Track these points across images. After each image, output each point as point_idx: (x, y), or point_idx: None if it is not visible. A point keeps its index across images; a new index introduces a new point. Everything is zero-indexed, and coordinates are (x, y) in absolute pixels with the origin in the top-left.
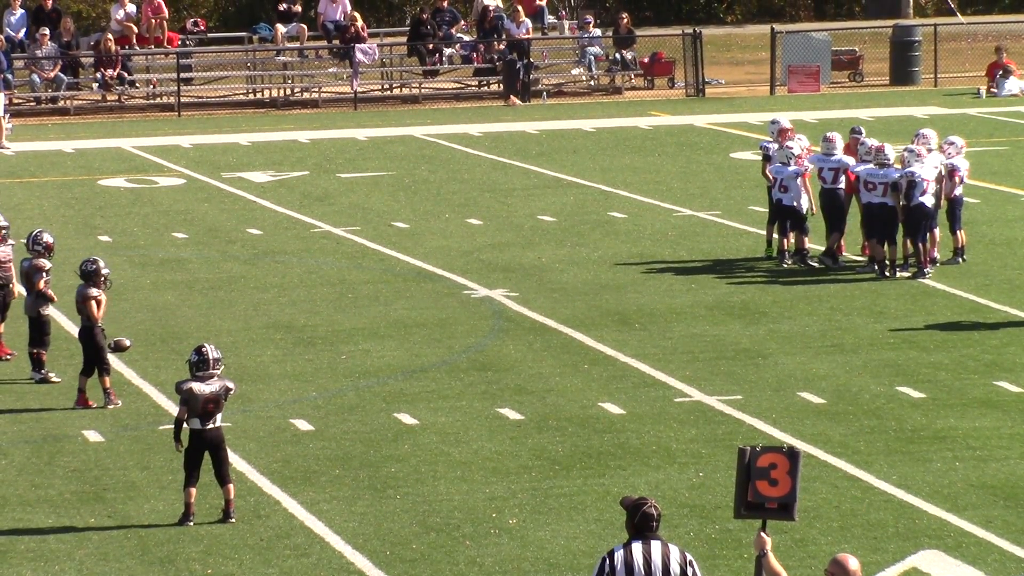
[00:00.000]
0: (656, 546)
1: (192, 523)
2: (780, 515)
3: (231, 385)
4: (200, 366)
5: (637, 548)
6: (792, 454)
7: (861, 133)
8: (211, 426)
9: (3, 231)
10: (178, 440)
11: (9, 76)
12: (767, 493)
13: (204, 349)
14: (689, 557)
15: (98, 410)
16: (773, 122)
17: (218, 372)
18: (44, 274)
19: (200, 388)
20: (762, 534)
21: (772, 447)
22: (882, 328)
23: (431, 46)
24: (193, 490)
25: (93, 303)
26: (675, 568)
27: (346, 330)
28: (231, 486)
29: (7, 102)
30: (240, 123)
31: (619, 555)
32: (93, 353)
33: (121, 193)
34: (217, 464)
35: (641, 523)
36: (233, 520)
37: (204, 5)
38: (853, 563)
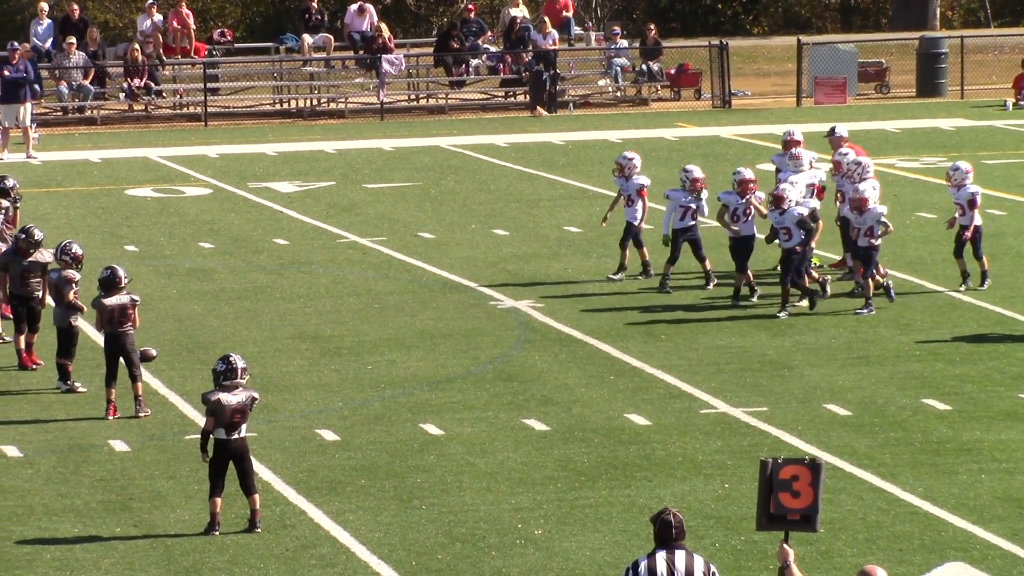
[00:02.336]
0: (680, 556)
1: (218, 532)
2: (802, 527)
3: (257, 395)
4: (228, 375)
5: (661, 558)
6: (814, 466)
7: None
8: (236, 436)
9: (36, 241)
10: (204, 451)
11: (36, 86)
12: (789, 505)
13: (231, 359)
14: (713, 568)
15: (124, 420)
16: (685, 170)
17: (244, 382)
18: (73, 285)
19: (227, 399)
20: (785, 546)
21: (794, 459)
22: (908, 340)
23: (458, 56)
24: (218, 500)
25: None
26: (699, 574)
27: (372, 340)
28: (257, 496)
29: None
30: (266, 133)
31: (643, 565)
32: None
33: (148, 203)
34: (242, 475)
35: (661, 531)
36: (259, 530)
37: (231, 15)
38: (881, 574)
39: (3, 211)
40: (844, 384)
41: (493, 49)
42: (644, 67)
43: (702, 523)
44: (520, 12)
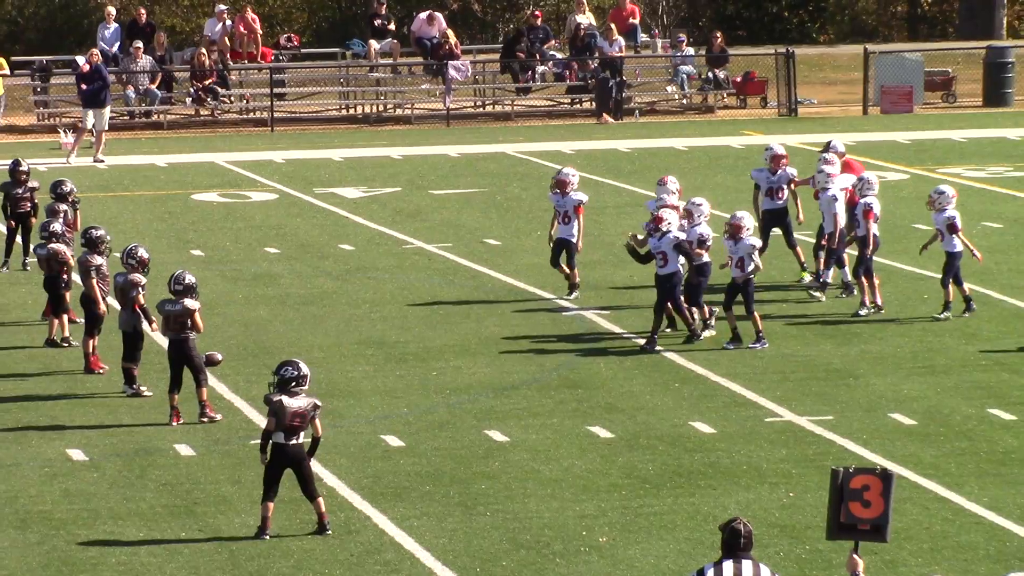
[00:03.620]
0: (747, 566)
1: (268, 537)
2: (872, 536)
3: (319, 402)
4: (300, 381)
5: (728, 567)
6: (885, 476)
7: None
8: (295, 442)
9: (105, 245)
10: (264, 451)
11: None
12: (860, 514)
13: (297, 363)
14: None
15: (189, 424)
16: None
17: (305, 388)
18: (140, 289)
19: (289, 402)
20: (854, 556)
21: (865, 468)
22: (973, 350)
23: (524, 63)
24: (271, 504)
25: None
26: None
27: (437, 347)
28: (320, 500)
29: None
30: (333, 139)
31: (710, 573)
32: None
33: (214, 208)
34: (302, 481)
35: (730, 539)
36: (329, 532)
37: (298, 21)
38: None
39: (62, 215)
40: (909, 393)
41: (559, 56)
42: (710, 75)
43: (766, 532)
44: (586, 19)
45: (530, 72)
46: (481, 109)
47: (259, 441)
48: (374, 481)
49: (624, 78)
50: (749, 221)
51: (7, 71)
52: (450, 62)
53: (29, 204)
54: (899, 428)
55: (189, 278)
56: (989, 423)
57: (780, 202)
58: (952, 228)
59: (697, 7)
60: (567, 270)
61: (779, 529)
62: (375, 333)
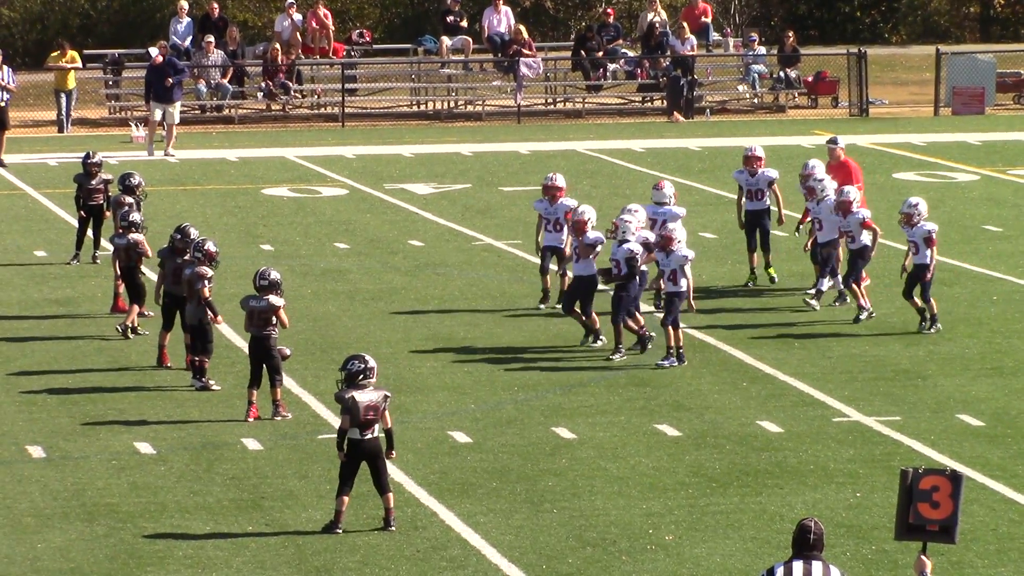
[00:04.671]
0: (817, 566)
1: (340, 531)
2: (941, 538)
3: (389, 394)
4: (368, 373)
5: (798, 567)
6: (955, 477)
7: (836, 143)
8: (369, 436)
9: (192, 240)
10: (341, 448)
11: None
12: (928, 515)
13: (363, 356)
14: None
15: (260, 420)
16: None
17: (373, 381)
18: (206, 282)
19: (360, 396)
20: (922, 557)
21: (934, 469)
22: None
23: (595, 61)
24: (346, 499)
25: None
26: None
27: (505, 343)
28: (390, 495)
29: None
30: (403, 135)
31: (779, 572)
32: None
33: (284, 202)
34: (376, 474)
35: (799, 537)
36: (393, 528)
37: (370, 16)
38: None
39: (126, 207)
40: (978, 394)
41: (631, 54)
42: (782, 74)
43: (833, 531)
44: (659, 17)
45: (601, 70)
46: (552, 106)
47: (329, 436)
48: (441, 477)
49: (695, 77)
50: (681, 233)
51: (79, 64)
52: (522, 59)
53: (102, 197)
54: (967, 429)
55: (274, 274)
56: None
57: (760, 203)
58: (929, 241)
59: (769, 6)
60: (544, 280)
61: (845, 529)
62: (443, 329)
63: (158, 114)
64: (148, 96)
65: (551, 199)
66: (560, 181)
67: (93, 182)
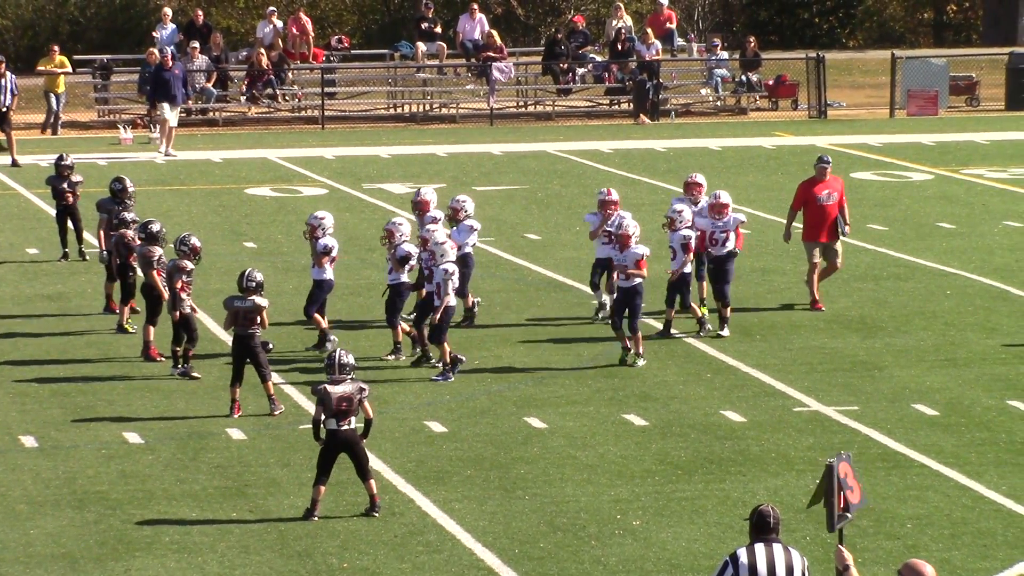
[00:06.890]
0: (778, 549)
1: (316, 518)
2: (848, 519)
3: (364, 386)
4: (343, 368)
5: (760, 549)
6: (847, 457)
7: (828, 163)
8: (346, 426)
9: (163, 238)
10: (318, 437)
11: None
12: (851, 499)
13: (338, 353)
14: (806, 563)
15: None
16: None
17: (349, 376)
18: (184, 275)
19: (333, 389)
20: (842, 548)
21: (839, 455)
22: (994, 344)
23: (565, 65)
24: (322, 488)
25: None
26: (798, 571)
27: (479, 336)
28: (372, 481)
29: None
30: (381, 136)
31: (743, 556)
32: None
33: (266, 201)
34: (357, 462)
35: (759, 521)
36: (378, 513)
37: (348, 23)
38: (928, 571)
39: (120, 207)
40: (932, 385)
41: (599, 59)
42: (743, 78)
43: (794, 517)
44: (625, 23)
45: (571, 74)
46: (523, 109)
47: (308, 427)
48: (418, 465)
49: (661, 80)
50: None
51: (69, 69)
52: (494, 64)
53: (72, 197)
54: (922, 418)
55: (259, 276)
56: (1008, 414)
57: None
58: (686, 248)
59: (731, 13)
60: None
61: (806, 515)
62: None
63: (172, 118)
64: (153, 97)
65: (458, 222)
66: (467, 202)
67: (64, 184)
